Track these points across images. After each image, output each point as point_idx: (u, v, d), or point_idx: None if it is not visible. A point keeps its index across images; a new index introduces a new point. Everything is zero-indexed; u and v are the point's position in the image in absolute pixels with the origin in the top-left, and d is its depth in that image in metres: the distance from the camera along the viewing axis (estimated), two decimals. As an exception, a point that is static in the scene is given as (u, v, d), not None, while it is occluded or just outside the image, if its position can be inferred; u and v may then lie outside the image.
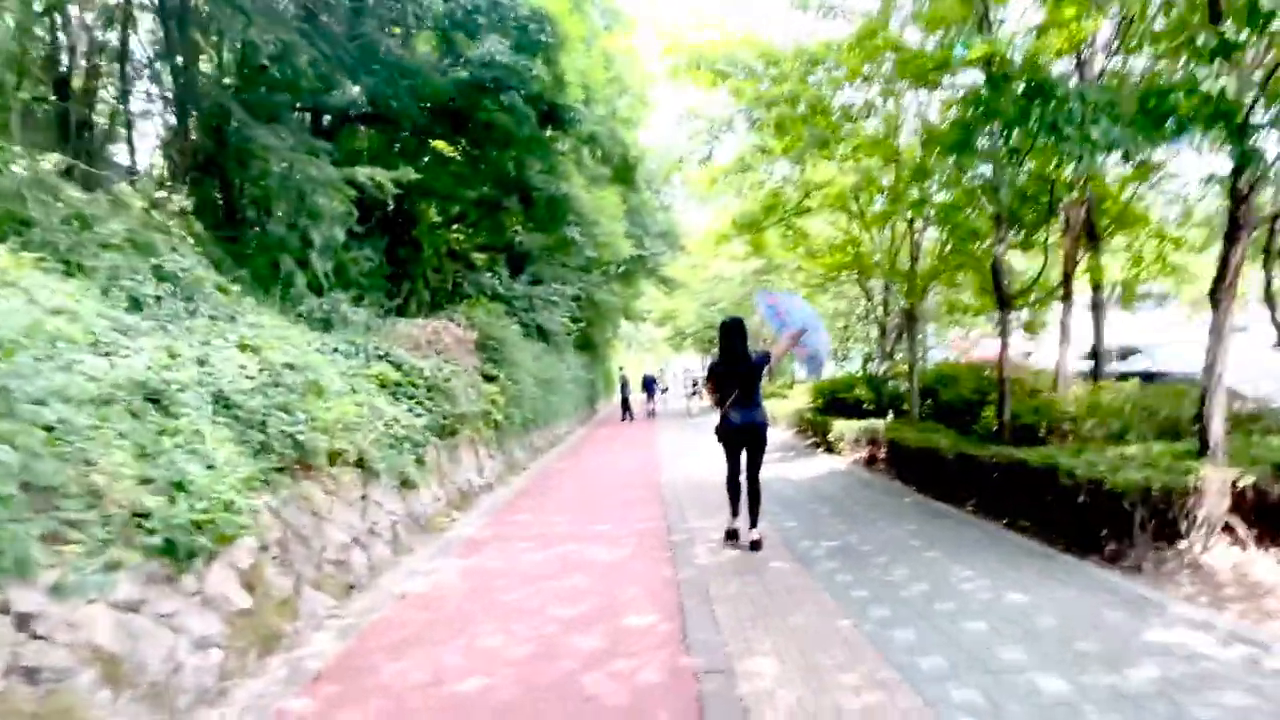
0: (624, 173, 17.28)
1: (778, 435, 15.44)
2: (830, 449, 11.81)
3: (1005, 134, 4.70)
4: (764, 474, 6.22)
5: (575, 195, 12.79)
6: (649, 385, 24.96)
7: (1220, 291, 4.90)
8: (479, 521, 7.90)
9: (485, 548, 6.65)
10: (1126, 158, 4.41)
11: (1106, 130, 4.30)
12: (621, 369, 26.18)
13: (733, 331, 5.92)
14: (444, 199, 13.65)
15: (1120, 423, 6.68)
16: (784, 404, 16.65)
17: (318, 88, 10.43)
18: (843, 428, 11.13)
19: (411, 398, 7.55)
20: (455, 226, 18.07)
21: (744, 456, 6.03)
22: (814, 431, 13.39)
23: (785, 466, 10.89)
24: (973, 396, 9.87)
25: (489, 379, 11.22)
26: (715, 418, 6.20)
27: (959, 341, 19.55)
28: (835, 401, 12.93)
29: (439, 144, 13.27)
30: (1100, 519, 5.10)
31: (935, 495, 7.66)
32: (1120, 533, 5.00)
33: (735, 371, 5.83)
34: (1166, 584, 4.53)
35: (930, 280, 9.97)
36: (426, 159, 13.98)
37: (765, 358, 6.00)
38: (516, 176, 12.72)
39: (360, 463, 6.05)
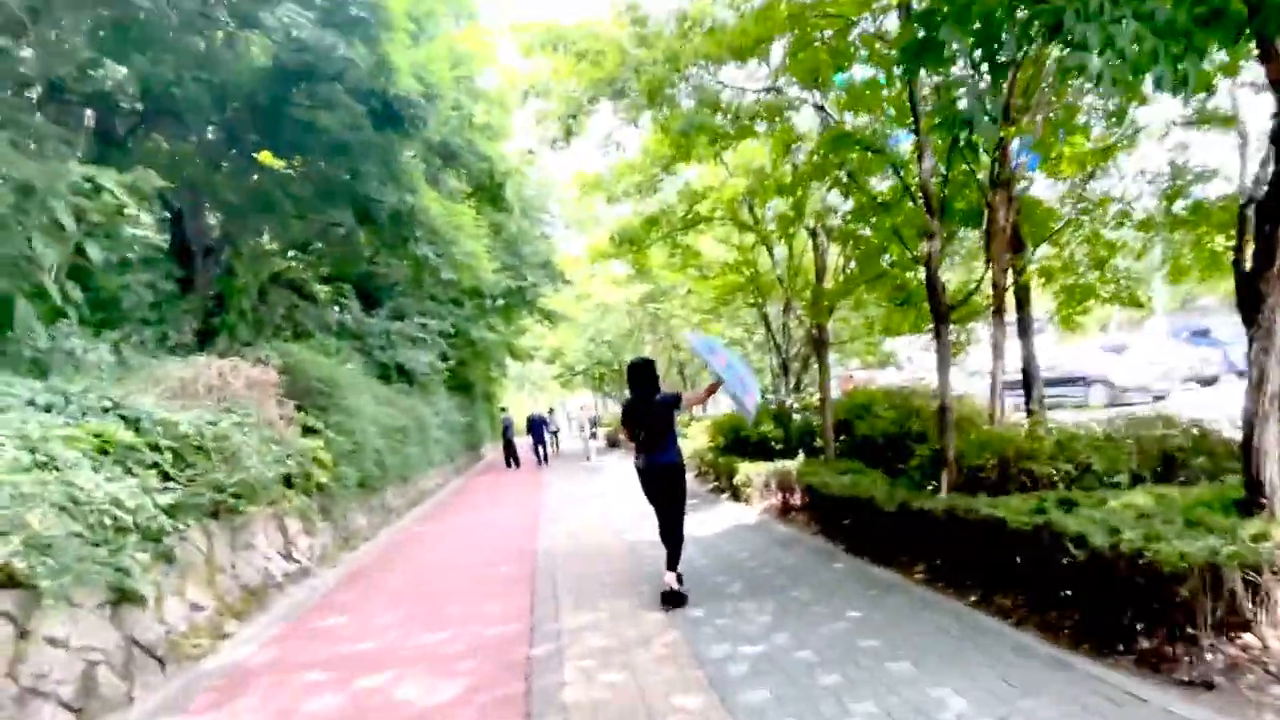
0: (491, 190, 15.38)
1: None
2: (736, 495, 10.18)
3: (986, 34, 3.19)
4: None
5: (424, 208, 10.75)
6: (536, 427, 21.71)
7: (1266, 280, 3.56)
8: (266, 634, 5.62)
9: (247, 690, 4.42)
10: (1159, 86, 2.97)
11: (1140, 35, 2.86)
12: (504, 410, 23.74)
13: (640, 372, 5.65)
14: (263, 218, 11.21)
15: (1103, 462, 5.35)
16: (681, 443, 14.96)
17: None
18: (750, 471, 9.54)
19: (153, 466, 5.23)
20: (292, 253, 15.53)
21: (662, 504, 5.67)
22: (716, 475, 11.76)
23: (687, 519, 9.13)
24: (893, 429, 8.52)
25: (310, 431, 8.91)
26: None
27: (843, 375, 18.73)
28: (738, 440, 11.37)
29: (264, 156, 10.93)
30: (1127, 603, 3.59)
31: (872, 558, 6.09)
32: (1156, 621, 3.50)
33: (645, 412, 5.54)
34: (1257, 713, 3.01)
35: (839, 298, 8.61)
36: (251, 174, 11.66)
37: (674, 399, 5.72)
38: (351, 188, 10.56)
39: (12, 579, 3.75)
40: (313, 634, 5.60)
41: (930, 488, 6.22)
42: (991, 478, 5.94)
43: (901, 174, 6.85)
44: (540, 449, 21.41)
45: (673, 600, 5.30)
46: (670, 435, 5.59)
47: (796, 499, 8.55)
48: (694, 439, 15.05)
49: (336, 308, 15.30)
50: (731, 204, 8.80)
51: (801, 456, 9.40)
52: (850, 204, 8.24)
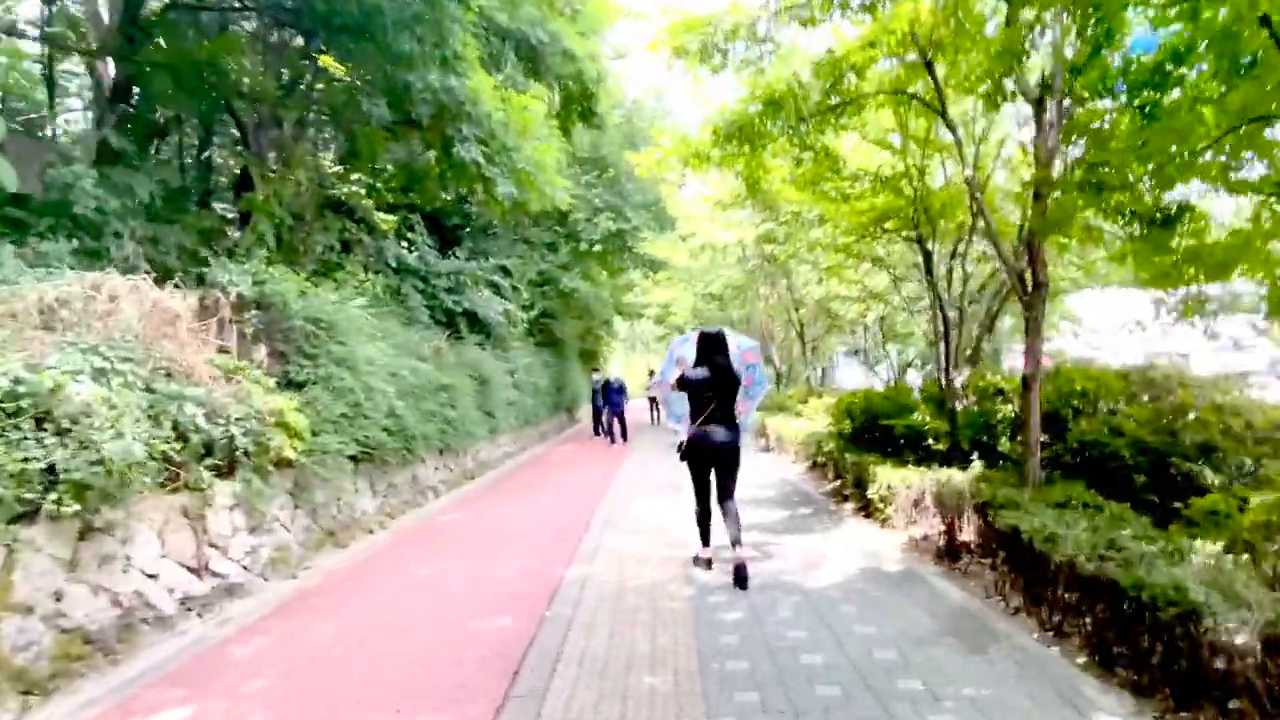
0: (581, 101, 12.62)
1: (782, 473, 10.72)
2: (868, 510, 7.09)
3: None
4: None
5: (473, 97, 8.14)
6: (611, 394, 17.11)
7: None
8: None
9: None
10: None
11: None
12: (595, 371, 21.26)
13: (714, 343, 5.50)
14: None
15: None
16: (794, 425, 11.88)
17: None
18: (893, 480, 6.41)
19: None
20: (357, 177, 13.56)
21: (713, 478, 5.51)
22: (838, 473, 8.66)
23: (789, 545, 6.19)
24: (1151, 439, 5.13)
25: (289, 386, 6.67)
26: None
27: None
28: (875, 428, 8.19)
29: (324, 59, 8.69)
30: None
31: (1176, 704, 2.95)
32: None
33: (715, 385, 5.33)
34: None
35: (1074, 211, 5.21)
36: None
37: (737, 380, 5.49)
38: (387, 74, 8.13)
39: None
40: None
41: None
42: None
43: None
44: (614, 422, 16.98)
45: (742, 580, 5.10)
46: (734, 413, 5.48)
47: (968, 532, 5.41)
48: (811, 419, 11.91)
49: (404, 242, 13.27)
50: (901, 44, 5.55)
51: (977, 464, 6.16)
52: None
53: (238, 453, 5.61)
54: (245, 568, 5.54)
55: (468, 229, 17.32)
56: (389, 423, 7.81)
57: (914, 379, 13.57)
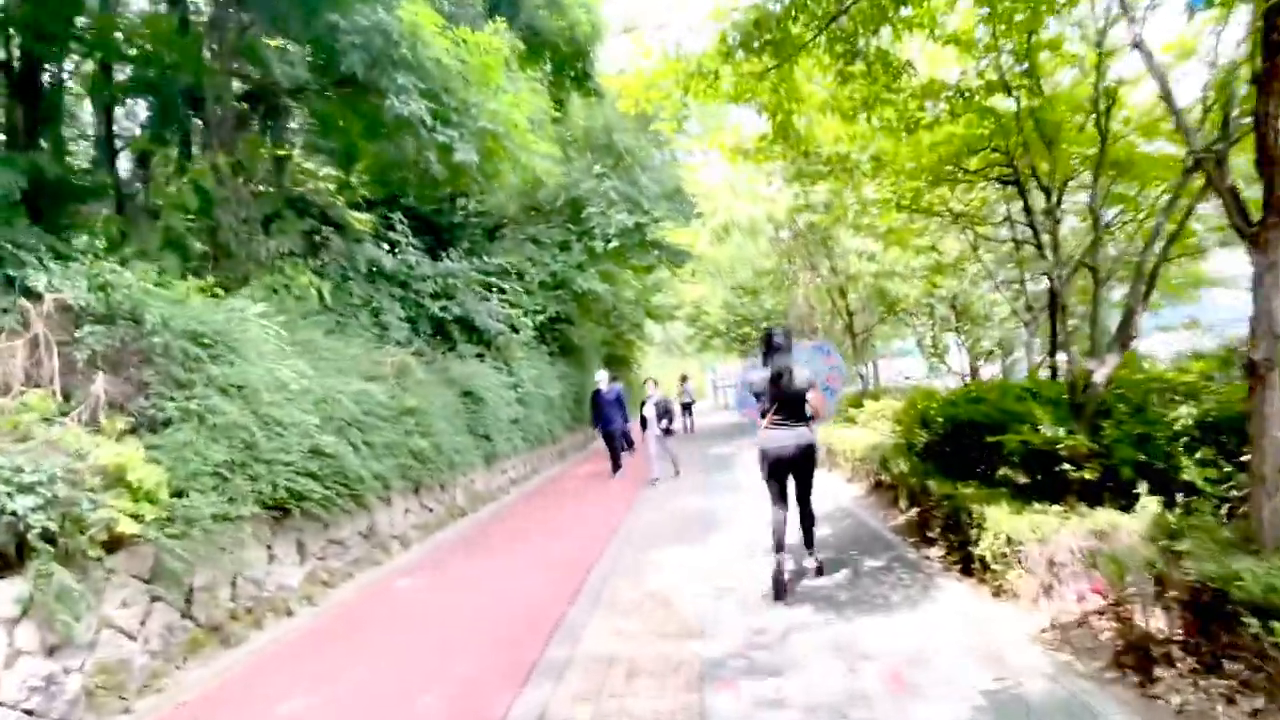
0: (574, 63, 10.65)
1: (836, 497, 8.53)
2: (968, 567, 4.92)
3: None
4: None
5: (410, 35, 6.21)
6: (604, 406, 12.81)
7: None
8: None
9: None
10: None
11: None
12: (599, 383, 19.09)
13: (777, 341, 5.29)
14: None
15: None
16: (847, 435, 9.67)
17: None
18: (1016, 529, 4.20)
19: None
20: (327, 170, 11.86)
21: (791, 483, 5.28)
22: (915, 503, 6.50)
23: (862, 634, 4.06)
24: None
25: (153, 427, 4.86)
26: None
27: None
28: (961, 440, 6.00)
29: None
30: None
31: None
32: None
33: (785, 388, 5.16)
34: None
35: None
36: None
37: (810, 380, 5.24)
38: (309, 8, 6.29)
39: None
40: None
41: None
42: None
43: None
44: (612, 445, 12.86)
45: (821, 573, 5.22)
46: (805, 413, 5.23)
47: (1157, 618, 3.25)
48: (869, 427, 9.70)
49: (385, 244, 11.48)
50: None
51: (1150, 503, 3.95)
52: None
53: (32, 534, 3.78)
54: (29, 712, 3.65)
55: (465, 229, 15.53)
56: (315, 465, 5.91)
57: (989, 374, 11.23)
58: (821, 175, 6.60)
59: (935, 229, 7.71)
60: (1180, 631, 3.29)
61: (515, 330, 13.67)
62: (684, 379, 23.97)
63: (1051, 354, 6.86)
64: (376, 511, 7.36)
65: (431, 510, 8.66)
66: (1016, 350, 9.84)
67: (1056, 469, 4.48)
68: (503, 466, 11.90)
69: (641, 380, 13.84)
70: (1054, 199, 5.22)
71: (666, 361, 53.15)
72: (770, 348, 5.31)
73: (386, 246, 11.40)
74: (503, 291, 13.68)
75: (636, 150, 18.13)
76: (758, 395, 5.35)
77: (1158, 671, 3.19)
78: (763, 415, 5.29)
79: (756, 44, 4.99)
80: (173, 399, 5.01)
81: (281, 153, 10.65)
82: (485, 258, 14.00)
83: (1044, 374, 8.04)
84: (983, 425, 5.69)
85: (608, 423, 12.71)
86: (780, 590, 4.96)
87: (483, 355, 12.66)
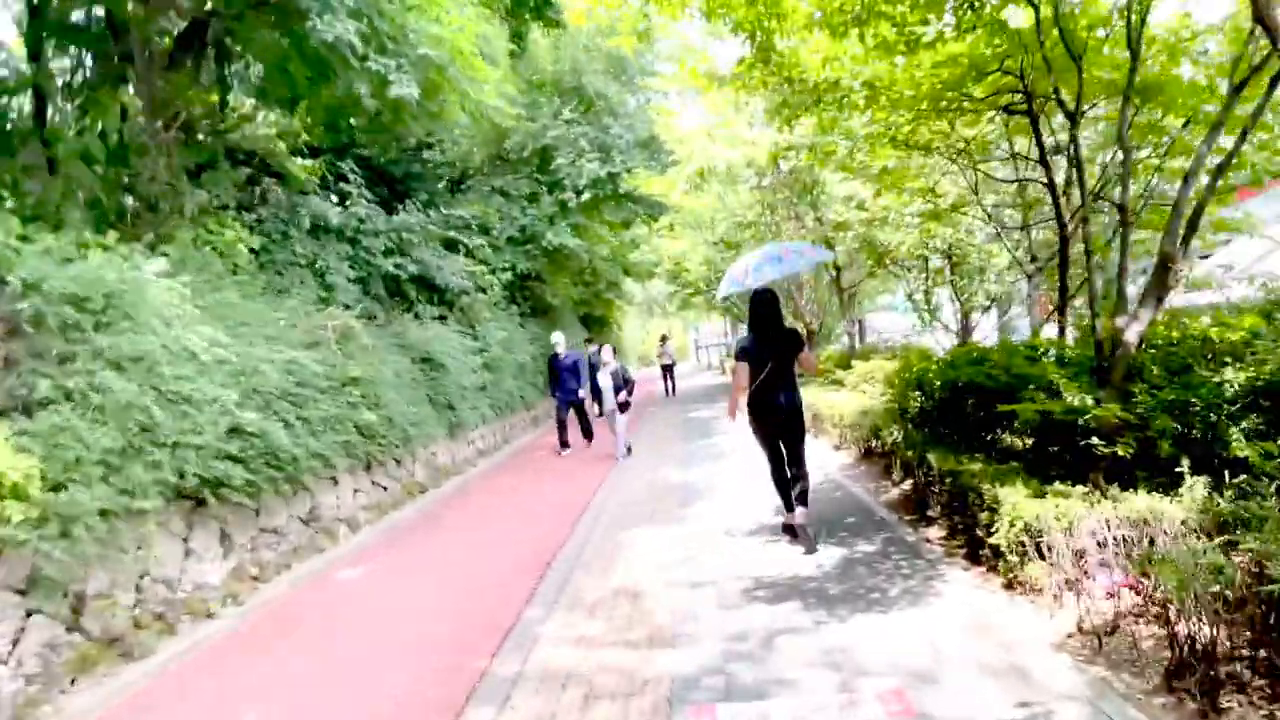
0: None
1: (823, 465, 7.96)
2: (975, 554, 4.34)
3: None
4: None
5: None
6: (562, 373, 11.14)
7: None
8: None
9: None
10: None
11: None
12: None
13: (766, 305, 5.24)
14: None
15: None
16: (834, 398, 9.08)
17: None
18: (1039, 515, 3.59)
19: None
20: (264, 114, 10.80)
21: (783, 448, 5.26)
22: (913, 477, 5.93)
23: (856, 638, 3.47)
24: None
25: (27, 409, 4.10)
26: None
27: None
28: (960, 400, 5.41)
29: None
30: None
31: None
32: None
33: (773, 350, 5.13)
34: None
35: None
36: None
37: (799, 341, 5.32)
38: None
39: None
40: None
41: None
42: None
43: None
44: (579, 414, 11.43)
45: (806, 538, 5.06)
46: (794, 375, 5.27)
47: (1221, 628, 2.66)
48: (858, 391, 9.10)
49: (334, 196, 10.54)
50: None
51: (1196, 484, 3.36)
52: None
53: None
54: None
55: (424, 180, 14.54)
56: (235, 445, 5.18)
57: (983, 332, 10.61)
58: (807, 108, 5.84)
59: (932, 169, 6.96)
60: (1247, 647, 2.72)
61: (482, 290, 12.86)
62: (664, 339, 23.33)
63: (1060, 310, 6.23)
64: (320, 493, 6.67)
65: (385, 489, 7.99)
66: (1014, 305, 9.24)
67: (1081, 442, 3.87)
68: (469, 437, 11.22)
69: (602, 344, 11.39)
70: (1077, 125, 4.49)
71: (647, 322, 52.32)
72: (758, 310, 5.24)
73: (336, 199, 10.50)
74: (466, 248, 12.81)
75: (609, 95, 17.11)
76: (750, 355, 5.19)
77: (1225, 700, 2.62)
78: (754, 379, 5.15)
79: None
80: (49, 375, 4.24)
81: (215, 97, 9.63)
82: (445, 210, 13.05)
83: (1047, 332, 7.44)
84: (989, 390, 5.08)
85: (567, 393, 11.01)
86: (789, 532, 5.25)
87: (445, 317, 11.88)
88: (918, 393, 6.40)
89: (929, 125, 5.81)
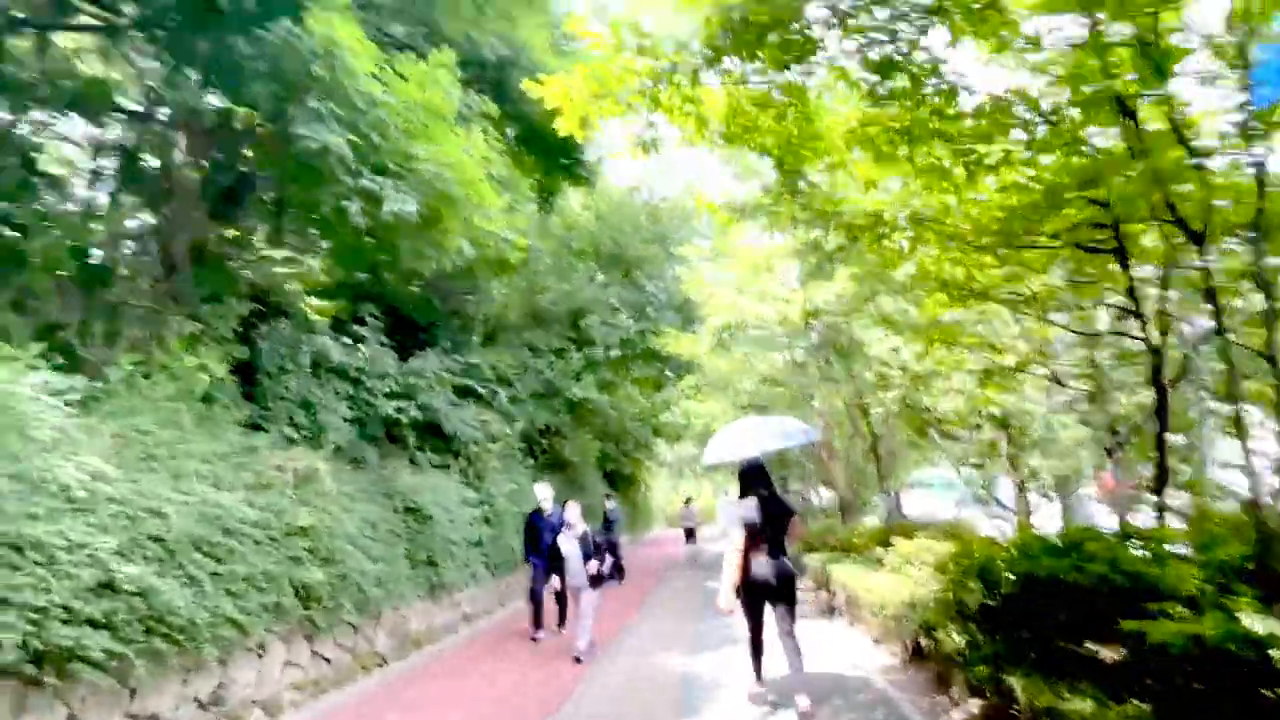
0: (562, 153, 9.57)
1: (858, 667, 6.42)
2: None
3: None
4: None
5: (327, 43, 4.90)
6: (540, 533, 8.95)
7: None
8: None
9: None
10: None
11: None
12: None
13: (758, 473, 5.49)
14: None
15: None
16: (872, 579, 7.64)
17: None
18: None
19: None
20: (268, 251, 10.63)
21: (770, 612, 5.29)
22: (981, 698, 4.50)
23: None
24: None
25: None
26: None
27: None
28: (1040, 599, 4.09)
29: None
30: None
31: None
32: None
33: (773, 513, 5.32)
34: None
35: None
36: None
37: (790, 510, 5.59)
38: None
39: None
40: None
41: None
42: None
43: None
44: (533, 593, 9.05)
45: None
46: (785, 543, 5.36)
47: None
48: (900, 572, 7.66)
49: (346, 338, 10.02)
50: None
51: None
52: None
53: None
54: None
55: (446, 329, 14.23)
56: (105, 606, 4.07)
57: (1040, 517, 9.19)
58: (843, 247, 5.09)
59: (990, 321, 6.01)
60: None
61: (493, 440, 11.98)
62: (688, 501, 21.98)
63: (1157, 488, 5.03)
64: (235, 666, 5.41)
65: (329, 661, 6.64)
66: (1081, 486, 7.91)
67: (1259, 688, 2.57)
68: (455, 599, 9.85)
69: (567, 500, 8.47)
70: (1203, 248, 3.56)
71: (678, 483, 50.65)
72: (748, 479, 5.48)
73: (350, 340, 9.97)
74: (478, 397, 12.10)
75: (648, 261, 17.22)
76: (753, 527, 5.23)
77: None
78: (751, 543, 5.22)
79: (753, 39, 3.61)
80: None
81: (235, 232, 9.45)
82: (464, 358, 12.49)
83: (1139, 518, 6.13)
84: (1083, 591, 3.81)
85: (539, 562, 8.71)
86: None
87: (447, 466, 10.93)
88: (977, 583, 5.07)
89: (988, 269, 4.96)
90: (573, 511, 7.80)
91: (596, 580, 7.43)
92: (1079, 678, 3.59)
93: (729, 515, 18.08)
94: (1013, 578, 4.64)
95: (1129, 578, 3.47)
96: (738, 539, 5.23)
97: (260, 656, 5.76)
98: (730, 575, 5.14)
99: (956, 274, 4.94)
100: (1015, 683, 3.73)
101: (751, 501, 5.29)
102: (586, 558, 7.41)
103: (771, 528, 5.22)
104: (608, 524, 14.65)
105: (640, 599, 12.17)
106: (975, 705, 4.90)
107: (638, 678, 6.70)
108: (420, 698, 6.46)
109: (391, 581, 7.61)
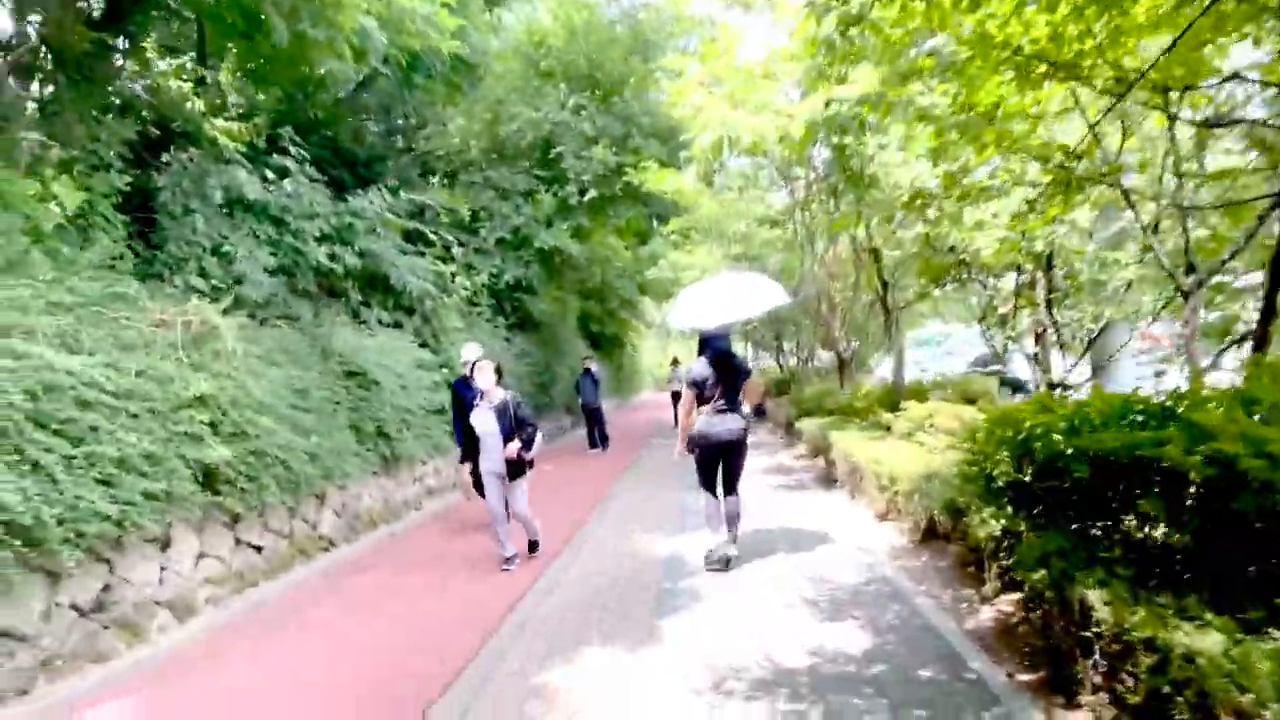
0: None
1: (863, 547, 5.64)
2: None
3: None
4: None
5: None
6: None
7: None
8: None
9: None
10: None
11: None
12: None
13: (716, 337, 5.48)
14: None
15: None
16: (878, 448, 6.78)
17: None
18: None
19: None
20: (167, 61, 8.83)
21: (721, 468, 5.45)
22: (1007, 579, 3.63)
23: None
24: None
25: None
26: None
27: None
28: (1104, 478, 3.12)
29: None
30: None
31: None
32: None
33: (728, 372, 5.40)
34: None
35: None
36: None
37: (748, 369, 5.69)
38: None
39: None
40: None
41: None
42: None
43: None
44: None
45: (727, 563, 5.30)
46: (739, 402, 5.43)
47: None
48: (911, 439, 6.80)
49: (269, 171, 8.43)
50: None
51: None
52: None
53: None
54: None
55: (394, 166, 12.59)
56: None
57: (1023, 373, 8.12)
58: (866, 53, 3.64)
59: (1061, 110, 4.56)
60: None
61: (446, 293, 10.75)
62: (675, 363, 21.01)
63: (1259, 344, 3.96)
64: (125, 565, 4.50)
65: (260, 549, 5.79)
66: (1121, 341, 6.78)
67: None
68: (416, 472, 9.04)
69: (477, 361, 6.14)
70: None
71: (667, 345, 50.00)
72: (704, 338, 5.52)
73: (272, 175, 8.44)
74: (431, 244, 10.69)
75: (623, 81, 15.08)
76: (701, 385, 5.36)
77: None
78: (704, 404, 5.37)
79: None
80: None
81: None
82: (404, 195, 10.73)
83: (1217, 377, 5.12)
84: (1176, 477, 2.80)
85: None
86: (720, 563, 5.33)
87: (400, 325, 9.77)
88: (1004, 454, 4.10)
89: (1069, 39, 3.50)
90: (485, 376, 5.73)
91: (518, 468, 5.59)
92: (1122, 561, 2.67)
93: (678, 373, 17.45)
94: (1071, 451, 3.64)
95: (1258, 451, 2.43)
96: (688, 396, 5.42)
97: (164, 551, 4.86)
98: (681, 430, 5.51)
99: (1034, 37, 3.48)
100: (1095, 599, 2.78)
101: (702, 361, 5.41)
102: (508, 436, 5.56)
103: (724, 385, 5.34)
104: (582, 386, 13.72)
105: (621, 470, 11.48)
106: (1009, 602, 4.09)
107: (613, 557, 5.92)
108: (371, 584, 5.68)
109: (331, 456, 6.66)
